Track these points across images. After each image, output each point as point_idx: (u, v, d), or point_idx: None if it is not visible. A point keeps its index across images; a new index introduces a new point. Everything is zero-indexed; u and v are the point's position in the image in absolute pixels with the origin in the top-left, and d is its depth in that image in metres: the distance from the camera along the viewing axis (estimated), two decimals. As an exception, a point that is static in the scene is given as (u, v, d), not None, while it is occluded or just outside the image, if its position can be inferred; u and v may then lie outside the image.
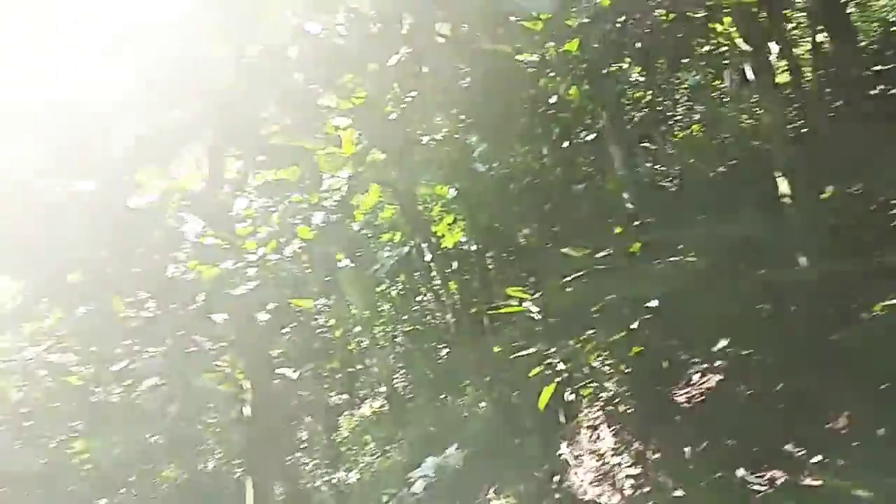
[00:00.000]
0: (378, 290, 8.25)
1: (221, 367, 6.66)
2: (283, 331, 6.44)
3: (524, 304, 6.34)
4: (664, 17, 7.74)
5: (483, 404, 7.69)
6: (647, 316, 6.25)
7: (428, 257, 7.22)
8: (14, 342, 5.72)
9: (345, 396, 9.63)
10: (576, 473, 6.73)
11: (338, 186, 6.21)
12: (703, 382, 6.92)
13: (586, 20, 6.46)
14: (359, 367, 9.25)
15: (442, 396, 8.54)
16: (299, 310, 6.43)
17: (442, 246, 7.37)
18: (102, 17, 3.89)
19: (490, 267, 7.50)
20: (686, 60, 8.56)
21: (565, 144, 7.38)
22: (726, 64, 8.81)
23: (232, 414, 6.76)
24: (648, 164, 8.41)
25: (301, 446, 9.39)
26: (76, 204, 3.62)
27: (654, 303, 6.38)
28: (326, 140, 5.05)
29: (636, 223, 6.98)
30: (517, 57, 5.29)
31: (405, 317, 8.85)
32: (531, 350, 6.54)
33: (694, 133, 8.98)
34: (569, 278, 6.11)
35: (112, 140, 3.56)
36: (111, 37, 3.77)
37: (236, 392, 6.83)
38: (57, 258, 3.88)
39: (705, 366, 6.97)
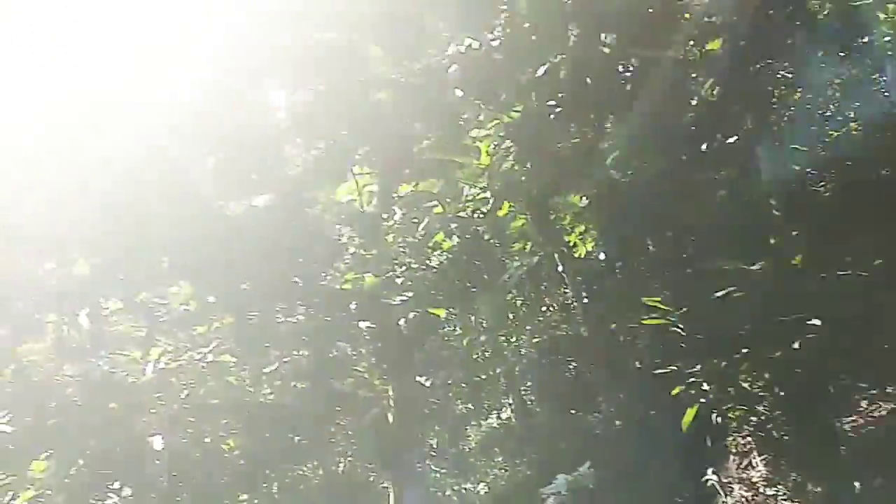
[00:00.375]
0: (507, 299, 8.21)
1: (360, 373, 6.94)
2: (420, 339, 6.60)
3: (667, 318, 6.00)
4: (819, 8, 7.12)
5: (618, 423, 7.37)
6: (810, 335, 5.69)
7: (559, 267, 7.07)
8: (183, 344, 6.28)
9: (470, 406, 9.67)
10: (724, 503, 6.26)
11: (474, 197, 6.23)
12: (873, 411, 6.23)
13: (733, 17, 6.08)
14: (484, 377, 9.25)
15: (572, 412, 8.30)
16: (434, 318, 6.55)
17: (575, 256, 7.20)
18: (273, 44, 4.16)
19: (623, 277, 7.21)
20: (843, 54, 7.80)
21: (704, 147, 6.93)
22: (890, 55, 7.91)
23: (367, 418, 7.00)
24: (798, 167, 7.71)
25: (430, 454, 9.53)
26: (252, 218, 3.87)
27: (816, 321, 5.80)
28: (468, 151, 5.09)
29: (794, 233, 6.41)
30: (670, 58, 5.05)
31: (529, 327, 8.74)
32: (672, 367, 6.20)
33: (850, 132, 8.13)
34: (720, 293, 5.71)
35: (285, 159, 3.78)
36: (284, 63, 4.02)
37: (372, 397, 7.09)
38: (231, 267, 4.16)
39: (874, 392, 6.27)
